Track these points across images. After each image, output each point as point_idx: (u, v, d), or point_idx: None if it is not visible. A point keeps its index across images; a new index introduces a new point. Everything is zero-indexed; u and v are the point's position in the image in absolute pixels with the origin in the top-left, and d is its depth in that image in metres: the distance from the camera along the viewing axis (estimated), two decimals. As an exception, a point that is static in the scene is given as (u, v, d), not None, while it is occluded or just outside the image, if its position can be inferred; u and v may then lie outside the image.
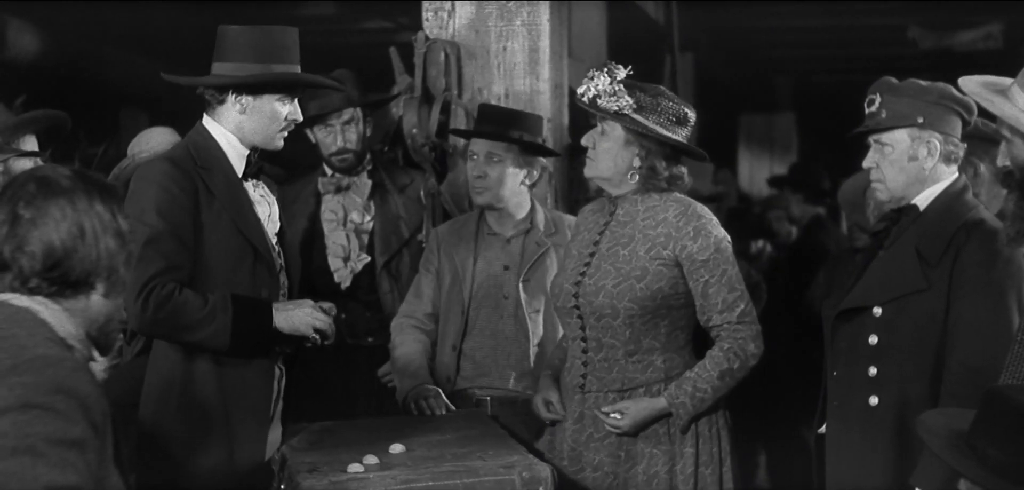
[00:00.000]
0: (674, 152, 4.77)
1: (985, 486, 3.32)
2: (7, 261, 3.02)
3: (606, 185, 4.83)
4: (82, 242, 3.03)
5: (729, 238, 4.78)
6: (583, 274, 4.80)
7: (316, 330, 4.54)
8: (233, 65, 4.52)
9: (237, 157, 4.59)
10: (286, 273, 4.73)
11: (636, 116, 4.69)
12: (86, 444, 2.79)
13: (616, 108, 4.68)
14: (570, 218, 5.49)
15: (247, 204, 4.58)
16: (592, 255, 4.83)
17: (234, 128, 4.57)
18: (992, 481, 3.29)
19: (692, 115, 4.77)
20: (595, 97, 4.71)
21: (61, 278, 3.03)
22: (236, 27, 4.53)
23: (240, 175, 4.59)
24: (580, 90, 4.76)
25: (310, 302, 4.56)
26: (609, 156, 4.76)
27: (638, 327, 4.72)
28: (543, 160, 5.50)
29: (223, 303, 4.41)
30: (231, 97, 4.55)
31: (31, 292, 3.02)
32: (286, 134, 4.63)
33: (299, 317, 4.52)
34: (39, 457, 2.69)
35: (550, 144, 6.06)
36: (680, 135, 4.74)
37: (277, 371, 4.67)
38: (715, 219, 4.79)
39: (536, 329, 5.36)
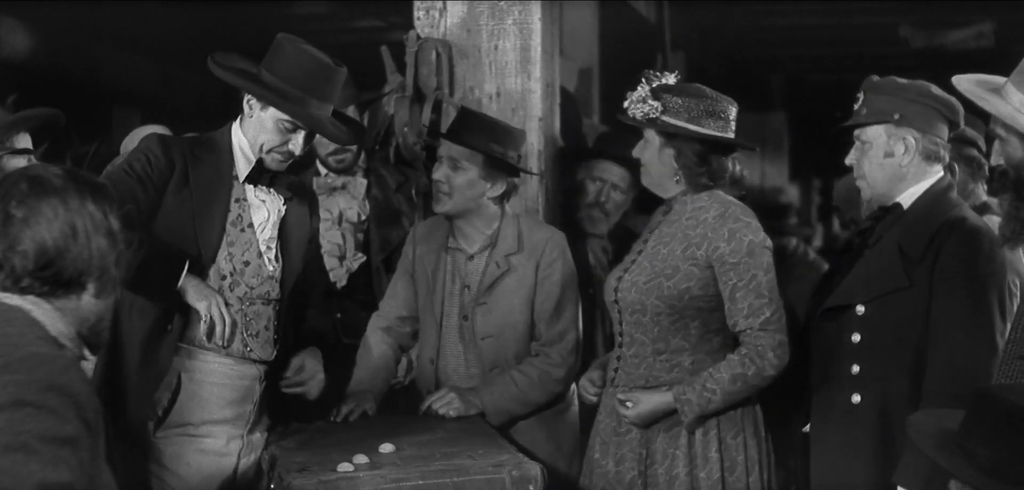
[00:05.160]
0: (710, 147, 4.78)
1: (975, 486, 3.32)
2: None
3: (658, 191, 4.89)
4: (74, 242, 3.04)
5: (768, 243, 4.75)
6: (627, 270, 4.83)
7: (211, 320, 4.50)
8: (273, 79, 4.59)
9: (244, 162, 4.68)
10: (280, 281, 4.74)
11: (664, 118, 4.73)
12: (79, 442, 2.80)
13: (642, 114, 4.73)
14: (547, 233, 5.40)
15: (219, 208, 4.63)
16: (640, 253, 4.86)
17: (245, 130, 4.67)
18: (982, 481, 3.30)
19: (723, 108, 4.77)
20: (627, 107, 4.76)
21: (53, 278, 3.03)
22: (294, 46, 4.62)
23: (243, 178, 4.66)
24: (624, 105, 4.82)
25: (223, 299, 4.55)
26: (652, 163, 4.81)
27: (665, 325, 4.73)
28: (513, 180, 5.35)
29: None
30: (245, 100, 4.66)
31: (23, 291, 3.02)
32: (280, 159, 4.66)
33: (205, 294, 4.51)
34: (32, 454, 2.70)
35: (540, 144, 6.06)
36: (711, 128, 4.75)
37: (257, 372, 4.69)
38: (755, 223, 4.76)
39: (490, 357, 5.27)
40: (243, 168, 4.68)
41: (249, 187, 4.69)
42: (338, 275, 5.81)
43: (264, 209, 4.70)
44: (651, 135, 4.80)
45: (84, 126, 6.90)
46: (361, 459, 4.28)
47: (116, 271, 3.14)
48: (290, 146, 4.62)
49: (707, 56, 12.08)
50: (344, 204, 5.87)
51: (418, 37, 6.16)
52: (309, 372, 4.82)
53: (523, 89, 6.12)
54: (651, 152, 4.81)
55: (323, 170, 5.91)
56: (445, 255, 5.33)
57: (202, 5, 7.71)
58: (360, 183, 5.89)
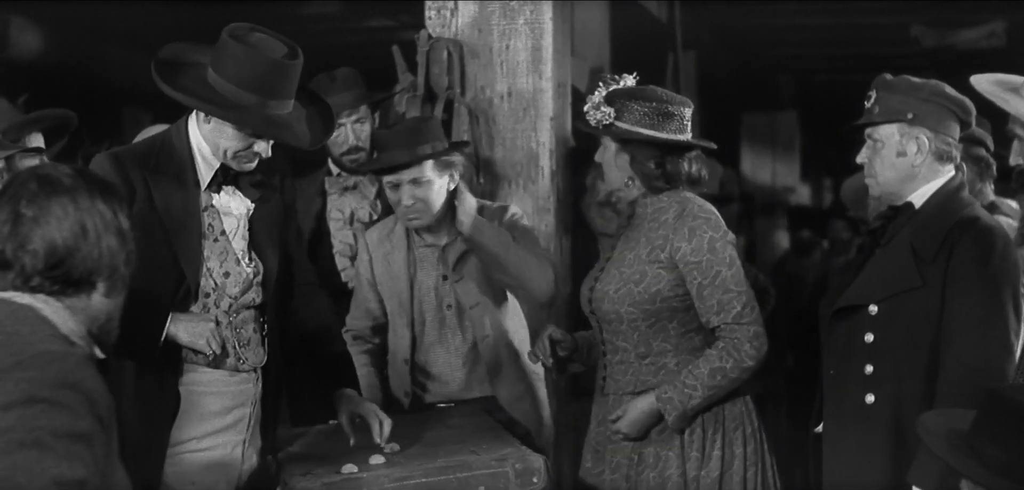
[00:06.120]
0: (664, 150, 4.76)
1: (986, 486, 3.32)
2: (9, 260, 3.02)
3: (620, 194, 4.86)
4: (84, 241, 3.05)
5: (730, 237, 4.76)
6: (597, 279, 4.83)
7: (213, 351, 4.41)
8: (223, 82, 4.31)
9: (206, 167, 4.46)
10: (263, 285, 4.58)
11: (619, 123, 4.73)
12: (92, 438, 2.81)
13: (596, 121, 4.74)
14: (497, 203, 5.48)
15: (193, 222, 4.44)
16: (608, 259, 4.85)
17: (204, 135, 4.44)
18: (993, 481, 3.30)
19: (677, 109, 4.76)
20: (585, 112, 4.77)
21: (63, 277, 3.03)
22: (241, 44, 4.29)
23: (206, 185, 4.46)
24: (583, 109, 4.83)
25: (214, 322, 4.42)
26: (610, 168, 4.81)
27: (644, 331, 4.73)
28: (458, 156, 5.37)
29: None
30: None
31: (33, 290, 3.03)
32: (248, 161, 4.42)
33: (199, 330, 4.38)
34: (46, 450, 2.71)
35: (551, 143, 6.07)
36: (666, 131, 4.73)
37: (254, 375, 4.58)
38: (714, 218, 4.75)
39: (480, 327, 5.31)
40: (206, 173, 4.46)
41: (215, 195, 4.48)
42: (349, 275, 5.81)
43: (232, 217, 4.51)
44: (607, 141, 4.80)
45: (94, 126, 6.92)
46: (377, 458, 4.29)
47: (125, 270, 3.14)
48: (255, 148, 4.39)
49: (718, 56, 12.08)
50: (355, 204, 5.87)
51: (429, 37, 6.17)
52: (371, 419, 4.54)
53: (535, 88, 6.13)
54: (608, 157, 4.80)
55: (335, 169, 5.91)
56: (412, 253, 5.35)
57: (211, 5, 7.73)
58: (372, 183, 5.89)
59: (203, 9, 7.92)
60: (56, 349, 2.94)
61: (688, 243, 4.67)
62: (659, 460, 4.74)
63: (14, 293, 3.03)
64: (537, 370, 5.40)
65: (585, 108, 4.80)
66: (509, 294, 5.40)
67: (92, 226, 3.06)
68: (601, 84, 4.79)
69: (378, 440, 4.40)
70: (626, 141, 4.74)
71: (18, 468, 2.69)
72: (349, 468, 4.20)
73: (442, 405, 5.30)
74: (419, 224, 5.25)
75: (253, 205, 4.55)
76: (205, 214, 4.47)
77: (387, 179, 5.24)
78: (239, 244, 4.51)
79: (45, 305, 3.03)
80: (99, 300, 3.10)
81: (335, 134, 5.76)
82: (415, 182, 5.19)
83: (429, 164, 5.21)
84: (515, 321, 5.45)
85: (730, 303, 4.67)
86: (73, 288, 3.06)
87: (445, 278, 5.30)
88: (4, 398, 2.79)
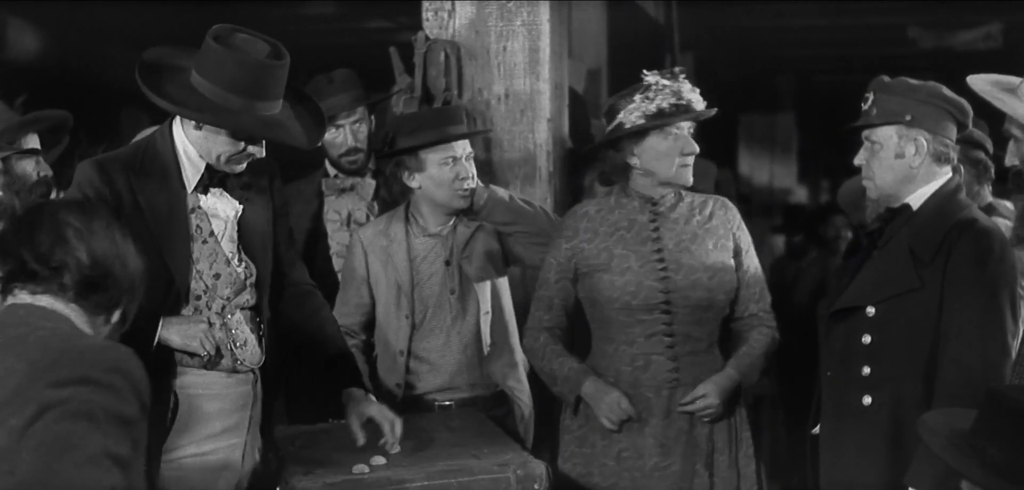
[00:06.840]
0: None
1: (986, 486, 3.32)
2: (55, 267, 3.16)
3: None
4: (119, 264, 3.23)
5: None
6: (664, 270, 4.82)
7: (207, 352, 4.38)
8: (210, 86, 4.26)
9: (192, 170, 4.42)
10: (256, 286, 4.55)
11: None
12: (135, 424, 3.00)
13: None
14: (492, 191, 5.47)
15: (180, 226, 4.41)
16: (660, 252, 4.84)
17: (193, 140, 4.40)
18: (993, 481, 3.30)
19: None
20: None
21: (98, 289, 3.20)
22: (221, 48, 4.23)
23: (192, 188, 4.43)
24: (629, 109, 4.85)
25: (206, 323, 4.40)
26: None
27: (716, 319, 4.89)
28: None
29: None
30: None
31: (66, 299, 3.18)
32: (239, 163, 4.40)
33: (192, 333, 4.36)
34: (98, 425, 2.89)
35: (550, 145, 6.07)
36: None
37: (252, 376, 4.55)
38: None
39: (484, 302, 5.35)
40: (192, 176, 4.42)
41: (201, 194, 4.44)
42: (346, 276, 5.80)
43: (219, 219, 4.47)
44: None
45: (92, 127, 6.92)
46: (378, 459, 4.29)
47: (134, 305, 3.33)
48: (249, 149, 4.37)
49: (716, 57, 12.09)
50: (352, 205, 5.86)
51: (427, 38, 6.16)
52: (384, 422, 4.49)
53: (532, 90, 6.12)
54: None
55: (332, 171, 5.91)
56: (411, 243, 5.34)
57: (211, 5, 7.72)
58: (369, 184, 5.88)
59: (203, 9, 7.93)
60: (105, 342, 3.14)
61: (745, 233, 4.92)
62: (728, 445, 4.89)
63: (40, 296, 3.18)
64: (521, 356, 5.42)
65: (655, 107, 4.95)
66: (504, 280, 5.43)
67: (126, 253, 3.26)
68: (673, 74, 4.91)
69: (392, 442, 4.37)
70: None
71: (73, 434, 2.86)
72: (360, 468, 4.18)
73: (438, 402, 5.31)
74: (469, 198, 5.28)
75: (242, 207, 4.52)
76: (193, 216, 4.43)
77: (441, 155, 5.26)
78: (228, 245, 4.48)
79: (73, 313, 3.18)
80: (116, 322, 3.28)
81: (333, 135, 5.76)
82: (470, 156, 5.29)
83: (426, 155, 5.29)
84: (508, 299, 5.49)
85: (764, 292, 4.94)
86: (103, 310, 3.23)
87: (448, 263, 5.31)
88: (57, 375, 2.94)
